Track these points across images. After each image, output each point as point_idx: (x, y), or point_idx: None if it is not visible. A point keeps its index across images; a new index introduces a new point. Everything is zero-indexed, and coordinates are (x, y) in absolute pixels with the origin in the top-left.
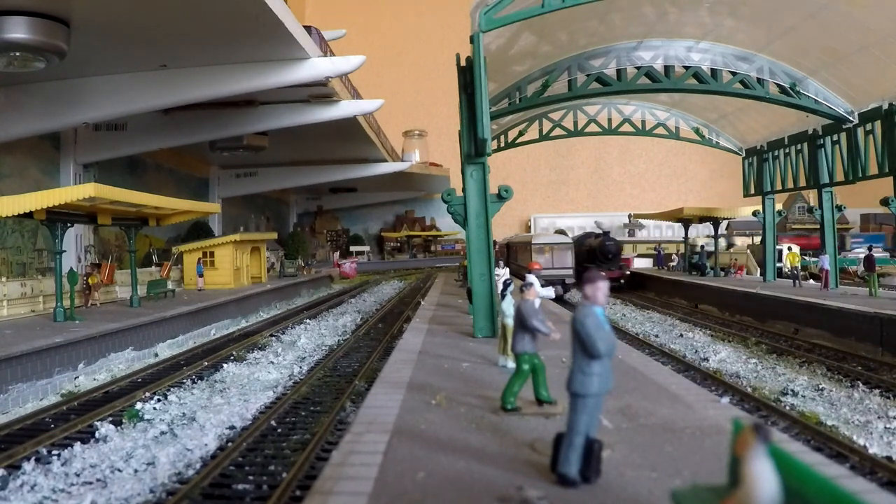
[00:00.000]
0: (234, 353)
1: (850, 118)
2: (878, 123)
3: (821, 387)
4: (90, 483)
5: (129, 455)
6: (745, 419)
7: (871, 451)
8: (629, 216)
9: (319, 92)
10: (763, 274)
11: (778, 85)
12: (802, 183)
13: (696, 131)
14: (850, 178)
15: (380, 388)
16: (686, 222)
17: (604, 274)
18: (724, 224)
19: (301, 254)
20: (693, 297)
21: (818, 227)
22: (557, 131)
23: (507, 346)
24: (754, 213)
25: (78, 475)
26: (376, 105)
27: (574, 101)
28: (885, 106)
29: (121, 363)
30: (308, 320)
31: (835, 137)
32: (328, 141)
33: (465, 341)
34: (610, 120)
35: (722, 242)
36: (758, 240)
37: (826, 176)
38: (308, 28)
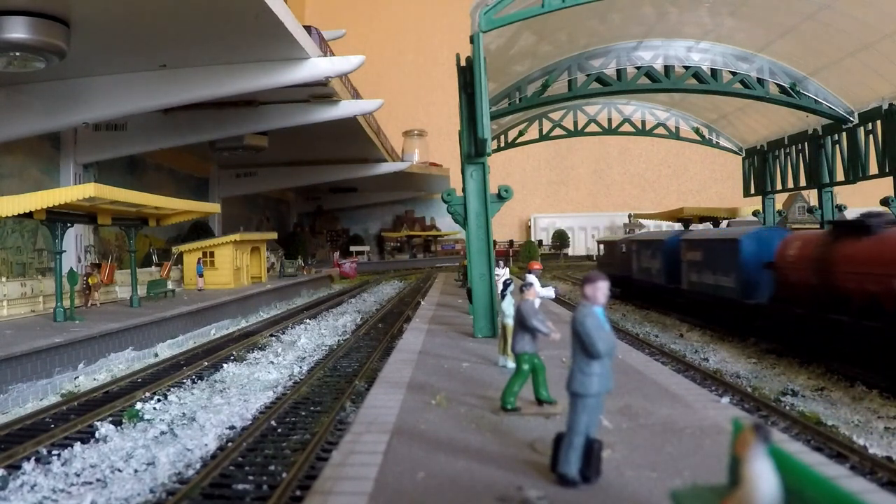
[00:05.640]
0: (234, 353)
1: (851, 118)
2: (878, 123)
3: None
4: (90, 483)
5: (129, 455)
6: (745, 419)
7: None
8: (629, 216)
9: (319, 92)
10: None
11: (778, 85)
12: (802, 183)
13: (696, 131)
14: (851, 178)
15: (380, 388)
16: (686, 222)
17: (604, 274)
18: (724, 224)
19: (301, 254)
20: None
21: (818, 227)
22: (557, 131)
23: (507, 346)
24: (754, 213)
25: (78, 475)
26: (376, 105)
27: (574, 101)
28: (886, 106)
29: (121, 363)
30: (308, 320)
31: (835, 137)
32: (328, 141)
33: (465, 341)
34: (610, 120)
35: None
36: None
37: (826, 176)
38: (308, 28)
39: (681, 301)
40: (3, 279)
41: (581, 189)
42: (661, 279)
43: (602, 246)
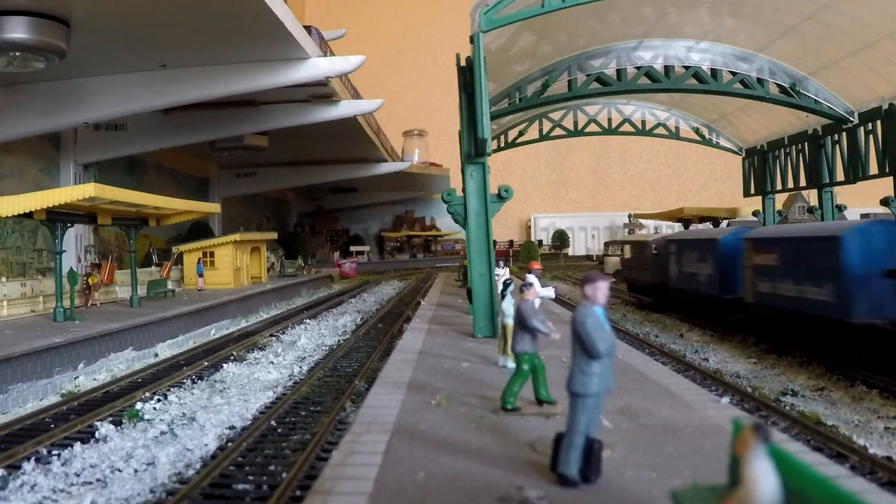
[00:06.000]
0: (234, 353)
1: (851, 118)
2: (878, 123)
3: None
4: (90, 483)
5: (129, 455)
6: (745, 419)
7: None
8: (629, 216)
9: (319, 92)
10: None
11: (778, 85)
12: (802, 183)
13: (696, 131)
14: (851, 178)
15: (380, 388)
16: (686, 222)
17: (604, 274)
18: (724, 224)
19: (301, 254)
20: None
21: None
22: (557, 131)
23: (507, 346)
24: (754, 213)
25: (78, 475)
26: (376, 105)
27: (574, 101)
28: (886, 106)
29: (121, 363)
30: (308, 320)
31: (835, 137)
32: (328, 141)
33: (465, 341)
34: (610, 120)
35: None
36: None
37: (826, 176)
38: (308, 28)
39: (742, 317)
40: (3, 279)
41: (581, 189)
42: (714, 289)
43: (628, 247)
